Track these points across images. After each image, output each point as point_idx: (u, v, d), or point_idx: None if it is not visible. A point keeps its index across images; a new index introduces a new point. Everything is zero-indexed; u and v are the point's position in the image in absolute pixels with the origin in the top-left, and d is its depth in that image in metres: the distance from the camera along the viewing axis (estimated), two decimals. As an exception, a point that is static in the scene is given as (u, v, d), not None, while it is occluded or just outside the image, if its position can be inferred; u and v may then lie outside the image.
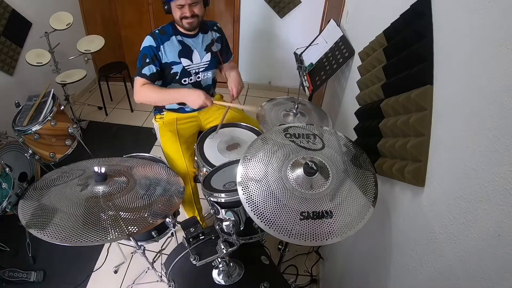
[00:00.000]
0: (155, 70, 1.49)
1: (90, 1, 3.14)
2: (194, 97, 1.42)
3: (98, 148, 2.44)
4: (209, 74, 1.66)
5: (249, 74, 3.51)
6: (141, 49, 1.51)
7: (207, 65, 1.63)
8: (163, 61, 1.52)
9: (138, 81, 1.49)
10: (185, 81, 1.60)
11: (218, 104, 1.55)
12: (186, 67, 1.57)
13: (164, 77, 1.57)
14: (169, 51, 1.52)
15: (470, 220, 0.56)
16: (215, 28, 1.66)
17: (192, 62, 1.58)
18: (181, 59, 1.55)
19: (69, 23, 2.39)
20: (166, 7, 1.47)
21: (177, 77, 1.58)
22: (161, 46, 1.50)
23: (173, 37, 1.53)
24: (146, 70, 1.48)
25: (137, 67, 1.51)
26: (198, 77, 1.63)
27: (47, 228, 0.93)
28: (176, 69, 1.56)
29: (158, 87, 1.51)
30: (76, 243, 0.90)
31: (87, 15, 3.21)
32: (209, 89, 1.71)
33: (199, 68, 1.61)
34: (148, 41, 1.49)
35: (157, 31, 1.52)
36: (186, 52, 1.56)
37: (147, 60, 1.48)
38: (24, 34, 2.51)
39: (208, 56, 1.62)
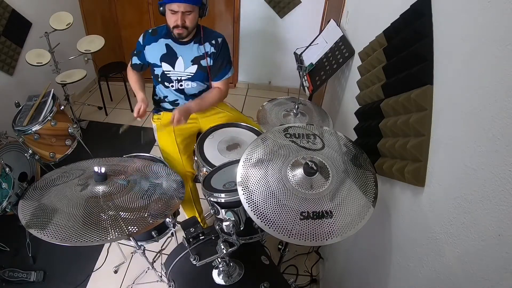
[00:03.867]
0: (138, 62, 1.62)
1: (90, 1, 3.14)
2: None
3: (98, 148, 2.44)
4: (194, 84, 1.61)
5: (249, 74, 3.51)
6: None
7: (190, 76, 1.58)
8: (147, 60, 1.59)
9: (130, 62, 1.66)
10: (166, 85, 1.61)
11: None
12: (165, 72, 1.56)
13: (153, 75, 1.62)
14: (151, 53, 1.54)
15: (470, 220, 0.56)
16: (213, 42, 1.55)
17: (174, 69, 1.55)
18: (162, 63, 1.54)
19: (69, 23, 2.39)
20: (161, 8, 1.46)
21: (159, 79, 1.59)
22: (146, 46, 1.55)
23: (162, 39, 1.52)
24: (134, 60, 1.63)
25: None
26: (181, 85, 1.60)
27: (47, 228, 0.93)
28: (157, 71, 1.58)
29: (136, 79, 1.65)
30: (76, 243, 0.90)
31: (87, 15, 3.21)
32: (193, 99, 1.64)
33: (181, 77, 1.58)
34: (141, 37, 1.58)
35: (150, 31, 1.55)
36: (169, 57, 1.54)
37: (135, 52, 1.61)
38: (24, 34, 2.51)
39: (193, 68, 1.56)
